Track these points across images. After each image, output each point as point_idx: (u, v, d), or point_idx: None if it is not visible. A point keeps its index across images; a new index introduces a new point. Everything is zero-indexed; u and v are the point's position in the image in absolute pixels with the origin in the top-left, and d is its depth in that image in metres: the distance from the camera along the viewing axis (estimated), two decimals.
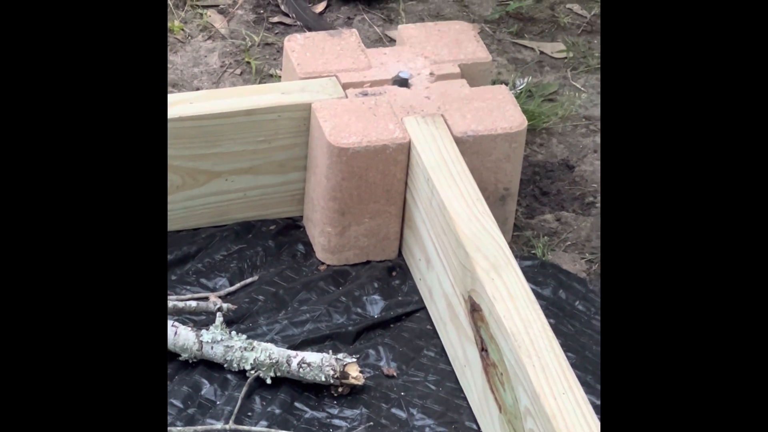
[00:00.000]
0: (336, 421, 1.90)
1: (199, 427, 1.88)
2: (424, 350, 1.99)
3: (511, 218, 2.08)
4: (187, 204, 2.09)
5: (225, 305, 1.98)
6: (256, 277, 2.06)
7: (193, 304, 1.98)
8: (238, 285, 2.05)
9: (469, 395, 1.92)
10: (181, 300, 2.00)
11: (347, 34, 2.14)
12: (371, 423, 1.90)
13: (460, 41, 2.14)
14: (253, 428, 1.87)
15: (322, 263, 2.09)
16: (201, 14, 2.42)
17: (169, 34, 2.38)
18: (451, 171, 1.96)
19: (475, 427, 1.90)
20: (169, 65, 2.32)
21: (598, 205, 2.20)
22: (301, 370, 1.91)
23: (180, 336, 1.94)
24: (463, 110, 2.03)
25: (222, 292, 2.03)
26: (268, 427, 1.88)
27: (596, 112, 2.32)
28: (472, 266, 1.85)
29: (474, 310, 1.86)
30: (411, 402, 1.92)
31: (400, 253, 2.10)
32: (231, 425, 1.86)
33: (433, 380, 1.95)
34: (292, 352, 1.92)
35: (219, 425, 1.87)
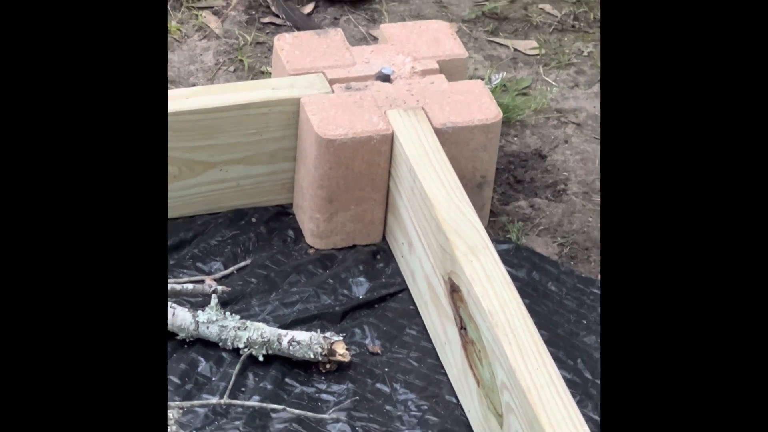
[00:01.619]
0: (324, 396, 1.91)
1: (195, 402, 1.87)
2: (407, 329, 1.99)
3: (487, 204, 2.08)
4: (184, 193, 2.10)
5: (219, 287, 1.99)
6: (248, 261, 2.07)
7: (190, 286, 1.98)
8: (231, 268, 2.05)
9: (449, 371, 1.93)
10: (179, 283, 2.00)
11: (333, 33, 2.15)
12: (357, 397, 1.90)
13: (439, 39, 2.14)
14: (246, 402, 1.88)
15: (311, 247, 2.09)
16: (196, 15, 2.41)
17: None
18: (432, 160, 1.96)
19: (454, 401, 1.91)
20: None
21: (569, 192, 2.19)
22: (291, 348, 1.91)
23: (177, 317, 1.94)
24: (442, 103, 2.04)
25: (217, 276, 2.03)
26: (261, 401, 1.89)
27: (567, 105, 2.33)
28: (452, 249, 1.85)
29: (453, 290, 1.86)
30: (394, 377, 1.93)
31: (384, 238, 2.10)
32: (225, 400, 1.85)
33: (415, 357, 1.96)
34: (283, 331, 1.93)
35: (214, 400, 1.87)
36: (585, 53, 2.41)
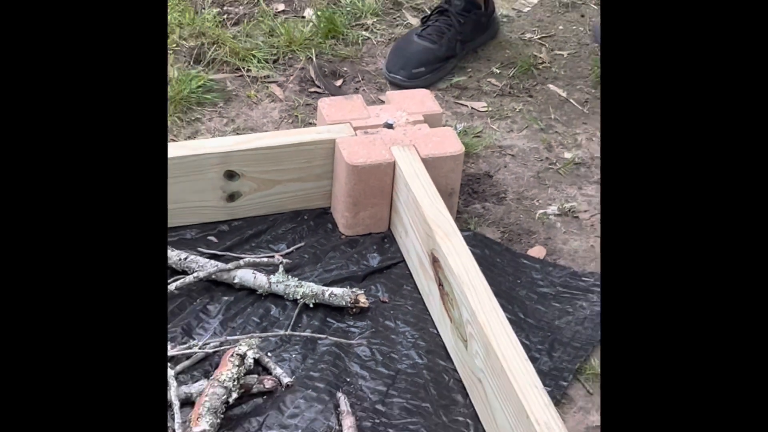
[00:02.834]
0: (352, 329, 1.92)
1: (269, 333, 1.89)
2: (405, 286, 2.01)
3: (455, 207, 2.10)
4: (261, 200, 2.10)
5: (284, 260, 2.00)
6: (302, 243, 2.08)
7: (265, 260, 1.99)
8: (292, 248, 2.06)
9: (432, 313, 1.95)
10: (258, 258, 2.00)
11: (356, 98, 2.18)
12: (373, 330, 1.91)
13: (423, 101, 2.17)
14: (302, 333, 1.89)
15: (343, 235, 2.10)
16: (267, 86, 2.41)
17: (247, 99, 2.38)
18: (419, 178, 1.99)
19: (435, 331, 1.91)
20: (248, 118, 2.33)
21: (507, 199, 2.20)
22: (330, 298, 1.94)
23: (257, 279, 1.95)
24: (426, 142, 2.07)
25: (282, 253, 2.04)
26: (311, 333, 1.89)
27: (505, 143, 2.33)
28: (433, 235, 1.89)
29: (434, 261, 1.90)
30: (396, 317, 1.95)
31: (389, 228, 2.12)
32: (288, 332, 1.89)
33: (410, 304, 1.98)
34: (325, 288, 1.95)
35: (281, 332, 1.88)
36: (517, 110, 2.40)
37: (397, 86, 2.39)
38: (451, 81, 2.45)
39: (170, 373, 1.72)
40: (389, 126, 2.08)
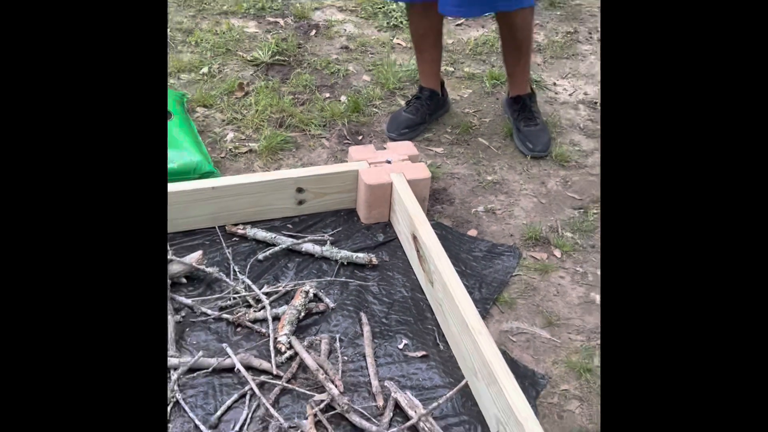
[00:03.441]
0: (368, 277, 1.91)
1: (321, 280, 1.88)
2: (398, 252, 2.00)
3: (425, 208, 2.08)
4: (317, 204, 2.08)
5: (330, 238, 2.00)
6: (340, 228, 2.06)
7: (319, 238, 1.99)
8: (333, 231, 2.05)
9: (415, 268, 1.94)
10: (315, 237, 2.00)
11: (370, 146, 2.17)
12: (380, 277, 1.90)
13: (408, 148, 2.15)
14: (339, 279, 1.88)
15: (362, 223, 2.08)
16: (320, 140, 2.39)
17: (309, 147, 2.38)
18: (406, 191, 1.98)
19: (415, 278, 1.89)
20: (309, 158, 2.33)
21: (456, 202, 2.19)
22: (356, 259, 1.95)
23: (315, 248, 1.95)
24: (409, 171, 2.05)
25: (327, 234, 2.03)
26: (345, 279, 1.88)
27: (455, 171, 2.31)
28: (414, 223, 1.88)
29: (414, 238, 1.90)
30: (394, 270, 1.94)
31: (389, 219, 2.09)
32: (333, 278, 1.89)
33: (401, 263, 1.96)
34: (353, 253, 1.95)
35: (328, 278, 1.89)
36: (461, 152, 2.36)
37: (392, 140, 2.38)
38: (423, 136, 2.45)
39: (266, 301, 1.76)
40: (389, 162, 2.07)
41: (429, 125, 2.47)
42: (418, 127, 2.42)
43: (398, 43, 2.96)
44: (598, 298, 1.89)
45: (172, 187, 1.91)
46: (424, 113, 2.43)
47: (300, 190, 2.04)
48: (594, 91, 2.73)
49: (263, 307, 1.74)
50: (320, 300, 1.81)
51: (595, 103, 2.67)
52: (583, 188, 2.29)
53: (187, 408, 1.53)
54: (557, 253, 2.02)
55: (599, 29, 3.12)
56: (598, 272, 1.97)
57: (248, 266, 1.88)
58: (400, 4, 3.11)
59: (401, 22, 3.06)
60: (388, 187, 2.01)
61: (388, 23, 3.06)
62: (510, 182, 2.27)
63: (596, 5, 3.31)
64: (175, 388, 1.55)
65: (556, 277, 1.95)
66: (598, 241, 2.08)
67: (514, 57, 2.33)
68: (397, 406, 1.54)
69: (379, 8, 3.15)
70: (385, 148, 2.15)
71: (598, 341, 1.76)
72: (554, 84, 2.76)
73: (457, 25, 3.14)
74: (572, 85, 2.78)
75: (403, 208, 1.94)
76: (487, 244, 2.06)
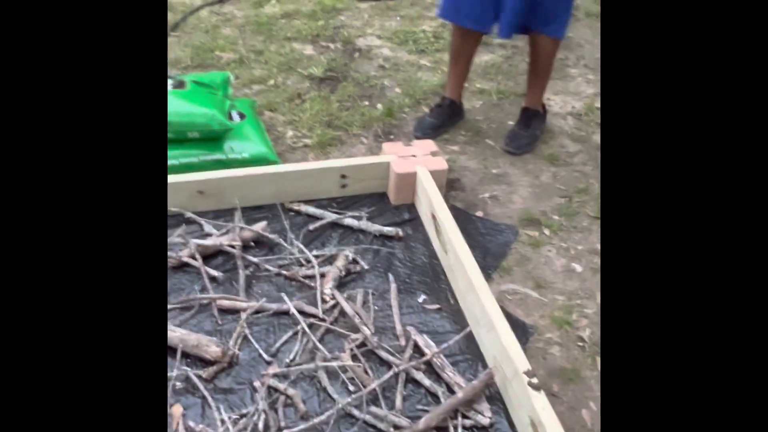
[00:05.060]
0: (396, 246, 1.90)
1: (359, 246, 1.87)
2: (420, 228, 1.98)
3: (442, 192, 2.04)
4: (356, 188, 2.06)
5: (365, 215, 1.98)
6: (374, 208, 2.03)
7: (357, 214, 1.98)
8: (369, 209, 2.02)
9: (433, 241, 1.92)
10: (354, 213, 1.97)
11: (399, 143, 2.15)
12: (405, 246, 1.87)
13: (430, 145, 2.12)
14: (372, 246, 1.87)
15: (392, 204, 2.06)
16: (360, 138, 2.37)
17: (350, 143, 2.31)
18: (428, 180, 1.97)
19: (433, 248, 1.88)
20: (350, 153, 2.28)
21: (467, 190, 2.17)
22: (386, 231, 1.93)
23: (354, 222, 1.93)
24: (431, 163, 2.03)
25: (363, 212, 2.00)
26: (377, 247, 1.84)
27: (466, 165, 2.27)
28: (433, 205, 1.88)
29: (433, 217, 1.89)
30: (416, 241, 1.92)
31: (413, 202, 2.06)
32: (368, 246, 1.87)
33: (422, 236, 1.95)
34: (384, 227, 1.93)
35: (364, 246, 1.89)
36: (471, 151, 2.33)
37: (417, 139, 2.36)
38: (442, 137, 2.42)
39: (315, 262, 1.78)
40: (414, 156, 2.06)
41: (447, 128, 2.46)
42: (438, 130, 2.41)
43: (424, 64, 2.95)
44: (578, 267, 1.90)
45: (244, 171, 1.94)
46: (445, 119, 2.42)
47: (343, 176, 2.02)
48: (579, 105, 2.71)
49: (312, 267, 1.74)
50: (357, 263, 1.80)
51: (581, 114, 2.65)
52: (569, 181, 2.28)
53: (253, 340, 1.56)
54: (546, 231, 2.03)
55: (585, 56, 3.08)
56: (579, 247, 1.98)
57: (301, 235, 1.88)
58: (428, 31, 3.11)
59: (427, 48, 3.06)
60: (413, 176, 1.98)
61: (416, 48, 3.06)
62: (510, 175, 2.27)
63: (584, 38, 3.27)
64: (245, 325, 1.58)
65: (545, 251, 1.95)
66: (580, 223, 2.08)
67: (533, 76, 2.33)
68: (416, 345, 1.56)
69: (410, 37, 3.16)
70: (411, 145, 2.13)
71: (577, 301, 1.77)
72: (548, 99, 2.74)
73: None
74: (562, 100, 2.76)
75: (425, 192, 1.91)
76: (491, 223, 2.05)
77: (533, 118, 2.41)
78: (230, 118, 2.20)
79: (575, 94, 2.79)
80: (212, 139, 2.09)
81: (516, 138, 2.36)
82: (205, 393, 1.36)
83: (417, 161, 2.01)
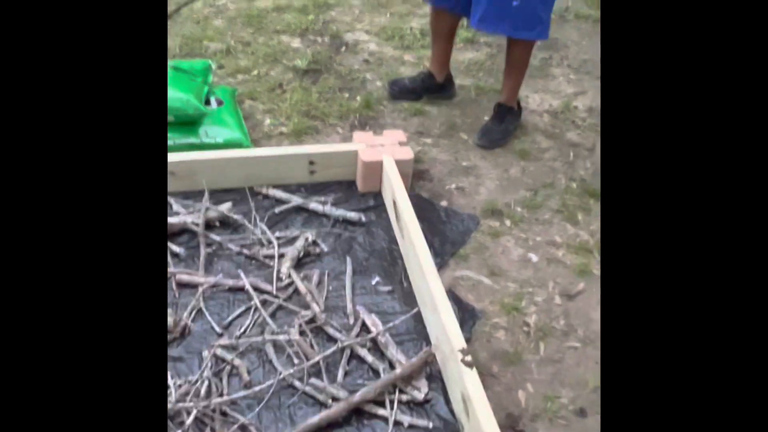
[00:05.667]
0: (357, 230, 1.93)
1: (320, 230, 1.91)
2: (382, 214, 2.01)
3: (408, 183, 2.09)
4: (324, 174, 2.09)
5: (330, 200, 2.02)
6: (341, 194, 2.06)
7: (323, 199, 2.01)
8: (335, 195, 2.05)
9: (394, 226, 1.95)
10: (320, 198, 2.01)
11: (369, 133, 2.18)
12: (366, 231, 1.91)
13: (399, 136, 2.16)
14: (334, 230, 1.92)
15: (359, 191, 2.09)
16: (335, 128, 2.40)
17: (326, 132, 2.31)
18: (393, 169, 1.99)
19: (392, 235, 1.90)
20: (325, 141, 2.30)
21: (434, 181, 2.19)
22: (349, 217, 1.96)
23: (318, 207, 1.97)
24: (397, 152, 2.06)
25: (331, 198, 2.04)
26: (340, 231, 1.89)
27: (435, 157, 2.29)
28: (395, 193, 1.91)
29: (394, 204, 1.92)
30: (377, 227, 1.96)
31: (380, 190, 2.09)
32: (329, 229, 1.92)
33: (384, 222, 1.97)
34: (348, 212, 1.96)
35: (326, 229, 1.89)
36: (443, 144, 2.36)
37: (392, 96, 2.47)
38: (416, 129, 2.43)
39: (275, 243, 1.82)
40: (381, 145, 2.09)
41: (420, 96, 2.50)
42: (408, 94, 2.49)
43: (407, 59, 2.98)
44: (534, 257, 1.92)
45: (216, 154, 2.00)
46: (418, 85, 2.50)
47: (311, 163, 2.06)
48: (557, 103, 2.73)
49: (273, 247, 1.78)
50: (317, 245, 1.83)
51: (557, 112, 2.67)
52: (537, 176, 2.30)
53: (207, 313, 1.61)
54: (507, 222, 2.06)
55: (569, 57, 3.10)
56: (538, 238, 2.00)
57: (266, 217, 1.91)
58: (416, 28, 3.15)
59: (412, 44, 3.09)
60: (380, 164, 2.00)
61: (401, 44, 3.09)
62: (480, 168, 2.29)
63: (571, 38, 3.29)
64: (200, 298, 1.63)
65: (504, 240, 1.98)
66: (542, 215, 2.10)
67: (508, 74, 2.39)
68: (364, 324, 1.61)
69: (396, 33, 3.19)
70: (381, 135, 2.15)
71: (529, 289, 1.80)
72: (526, 97, 2.76)
73: (457, 48, 3.14)
74: (541, 98, 2.77)
75: (389, 180, 1.93)
76: (453, 212, 2.07)
77: (507, 113, 2.45)
78: (208, 104, 2.26)
79: (555, 92, 2.81)
80: (188, 123, 2.14)
81: (488, 132, 2.39)
82: None
83: (384, 150, 2.02)
